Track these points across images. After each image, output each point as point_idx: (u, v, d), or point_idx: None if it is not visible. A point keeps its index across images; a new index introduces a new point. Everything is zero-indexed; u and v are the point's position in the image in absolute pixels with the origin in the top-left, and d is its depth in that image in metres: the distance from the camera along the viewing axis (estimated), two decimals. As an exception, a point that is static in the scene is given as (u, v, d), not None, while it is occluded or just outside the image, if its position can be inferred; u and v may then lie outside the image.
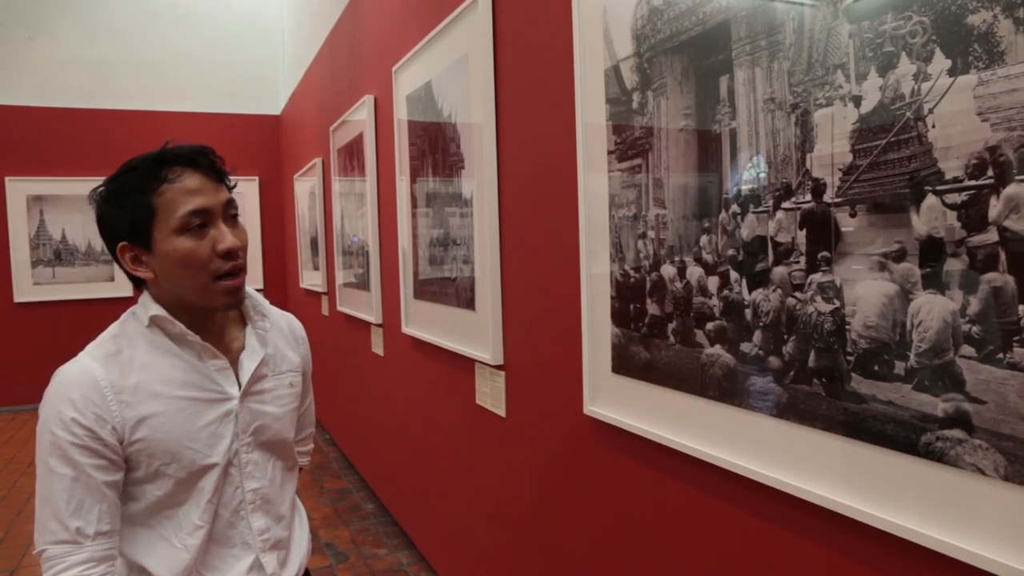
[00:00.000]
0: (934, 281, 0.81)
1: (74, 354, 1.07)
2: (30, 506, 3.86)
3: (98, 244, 6.33)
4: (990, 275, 0.76)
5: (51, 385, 1.04)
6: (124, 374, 1.06)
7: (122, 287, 6.31)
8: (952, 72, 0.77)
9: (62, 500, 1.01)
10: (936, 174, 0.80)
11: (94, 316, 6.15)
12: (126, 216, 1.05)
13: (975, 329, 0.77)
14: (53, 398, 1.03)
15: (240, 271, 1.09)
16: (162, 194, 1.04)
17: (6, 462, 4.68)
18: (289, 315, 1.34)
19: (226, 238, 1.06)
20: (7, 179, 6.10)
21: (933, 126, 0.80)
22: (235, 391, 1.14)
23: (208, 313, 1.13)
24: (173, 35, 6.59)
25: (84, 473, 1.01)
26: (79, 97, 6.30)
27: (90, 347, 1.09)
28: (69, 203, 6.25)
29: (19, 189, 6.15)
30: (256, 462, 1.16)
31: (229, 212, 1.09)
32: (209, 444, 1.10)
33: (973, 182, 0.77)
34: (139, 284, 1.13)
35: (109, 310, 6.20)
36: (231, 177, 1.14)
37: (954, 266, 0.79)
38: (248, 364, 1.16)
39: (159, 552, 1.09)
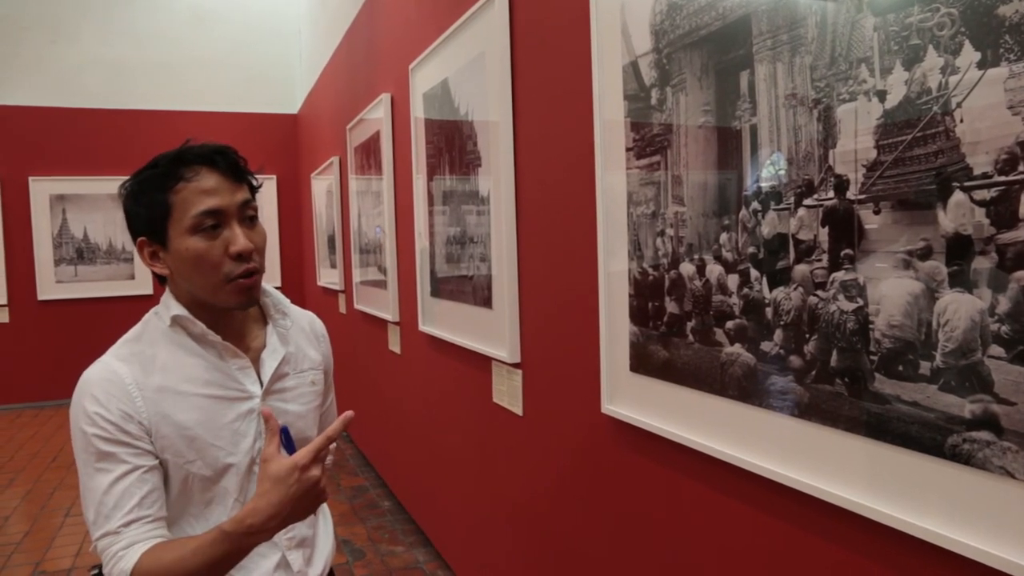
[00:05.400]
0: (961, 279, 0.79)
1: (96, 351, 1.09)
2: (54, 500, 3.92)
3: (119, 243, 6.42)
4: (1020, 273, 0.74)
5: (77, 387, 1.06)
6: (147, 372, 1.07)
7: (143, 285, 6.39)
8: (982, 65, 0.76)
9: (101, 496, 1.02)
10: (964, 170, 0.78)
11: (115, 313, 6.24)
12: (144, 212, 1.06)
13: (1004, 329, 0.75)
14: (79, 398, 1.05)
15: (253, 273, 1.08)
16: (178, 192, 1.04)
17: (31, 457, 4.75)
18: (310, 313, 1.34)
19: (238, 240, 1.05)
20: (31, 179, 6.19)
21: (961, 120, 0.78)
22: (257, 390, 1.14)
23: (227, 311, 1.13)
24: (192, 37, 6.65)
25: (120, 462, 1.03)
26: (100, 98, 6.38)
27: (113, 348, 1.11)
28: (91, 202, 6.33)
29: (42, 189, 6.24)
30: None
31: (246, 213, 1.08)
32: (232, 442, 1.11)
33: (1003, 178, 0.75)
34: (163, 281, 1.14)
35: (130, 307, 6.28)
36: (258, 176, 1.14)
37: (982, 264, 0.77)
38: (270, 362, 1.17)
39: None
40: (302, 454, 0.99)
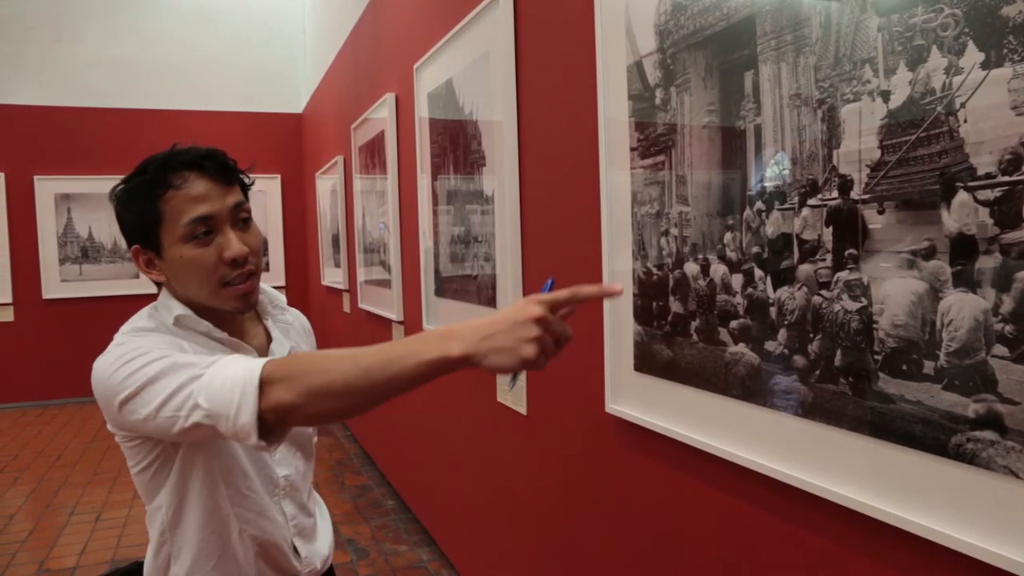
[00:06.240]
0: (965, 279, 0.80)
1: (100, 350, 1.08)
2: (59, 499, 3.94)
3: (123, 242, 6.42)
4: (1024, 273, 0.74)
5: (95, 373, 1.00)
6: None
7: (147, 284, 6.30)
8: (985, 65, 0.76)
9: (179, 358, 0.95)
10: (968, 170, 0.79)
11: (120, 313, 6.17)
12: (136, 220, 1.05)
13: (1008, 328, 0.76)
14: (104, 375, 0.98)
15: (249, 277, 1.07)
16: (168, 200, 1.02)
17: (36, 455, 4.77)
18: (295, 311, 1.36)
19: (232, 245, 1.04)
20: (36, 178, 6.21)
21: (965, 121, 0.78)
22: None
23: (227, 312, 1.13)
24: (197, 36, 6.67)
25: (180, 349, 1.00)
26: (105, 97, 6.40)
27: (123, 336, 1.06)
28: (96, 201, 6.34)
29: (47, 188, 6.26)
30: (284, 451, 1.19)
31: (239, 216, 1.07)
32: None
33: (1007, 178, 0.75)
34: (159, 284, 1.14)
35: (135, 306, 6.30)
36: (250, 175, 1.14)
37: (986, 264, 0.77)
38: (279, 353, 1.18)
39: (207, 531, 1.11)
40: (537, 296, 0.87)
